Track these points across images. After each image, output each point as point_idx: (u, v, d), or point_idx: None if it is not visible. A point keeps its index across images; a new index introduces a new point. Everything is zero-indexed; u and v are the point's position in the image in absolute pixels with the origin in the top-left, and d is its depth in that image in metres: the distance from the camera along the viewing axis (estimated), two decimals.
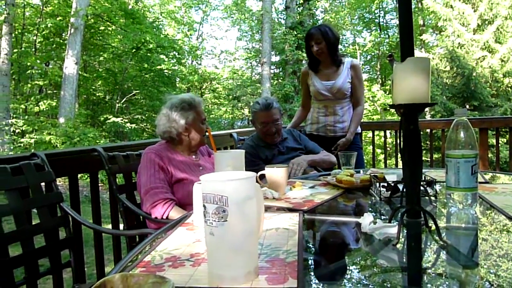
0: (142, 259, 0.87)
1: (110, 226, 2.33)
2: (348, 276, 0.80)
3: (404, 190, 1.09)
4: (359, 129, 3.01)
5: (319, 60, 2.88)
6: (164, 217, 1.71)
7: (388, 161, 5.73)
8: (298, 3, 15.12)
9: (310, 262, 0.87)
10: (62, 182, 6.43)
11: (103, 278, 0.66)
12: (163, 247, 0.94)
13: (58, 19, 11.62)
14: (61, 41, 12.52)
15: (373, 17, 18.90)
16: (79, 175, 2.21)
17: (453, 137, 1.14)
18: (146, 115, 13.78)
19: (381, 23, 18.81)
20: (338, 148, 2.80)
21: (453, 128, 1.15)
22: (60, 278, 1.87)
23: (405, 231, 1.02)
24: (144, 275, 0.68)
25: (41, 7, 12.11)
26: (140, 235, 1.90)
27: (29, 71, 11.93)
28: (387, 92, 15.91)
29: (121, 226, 2.08)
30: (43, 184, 1.71)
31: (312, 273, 0.82)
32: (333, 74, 2.87)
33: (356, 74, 2.89)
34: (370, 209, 1.36)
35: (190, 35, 19.25)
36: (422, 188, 1.26)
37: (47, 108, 11.28)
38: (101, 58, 13.60)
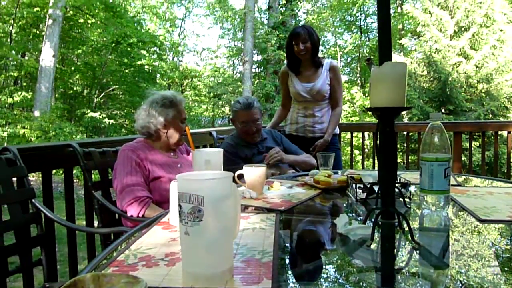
0: (115, 258, 0.85)
1: (84, 223, 2.28)
2: (324, 276, 0.81)
3: (379, 191, 1.10)
4: (337, 130, 3.03)
5: (299, 60, 2.89)
6: (140, 215, 1.69)
7: (366, 162, 5.83)
8: (281, 3, 15.17)
9: (286, 262, 0.87)
10: (35, 178, 6.26)
11: (74, 277, 0.65)
12: (137, 246, 0.93)
13: (35, 9, 11.28)
14: (38, 32, 12.17)
15: (354, 19, 19.15)
16: (53, 171, 2.16)
17: (427, 141, 1.17)
18: (125, 110, 13.57)
19: (362, 26, 19.08)
20: (316, 148, 2.82)
21: (428, 131, 1.17)
22: (31, 276, 1.82)
23: (379, 232, 1.04)
24: (117, 274, 0.67)
25: None
26: (115, 233, 1.86)
27: (2, 62, 11.55)
28: (366, 95, 16.17)
29: (96, 223, 2.04)
30: (14, 179, 1.66)
31: (288, 273, 0.82)
32: (312, 76, 2.89)
33: (335, 75, 2.90)
34: (346, 210, 1.37)
35: (172, 31, 19.06)
36: (397, 190, 1.29)
37: (21, 101, 10.95)
38: (80, 51, 13.29)
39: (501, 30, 9.34)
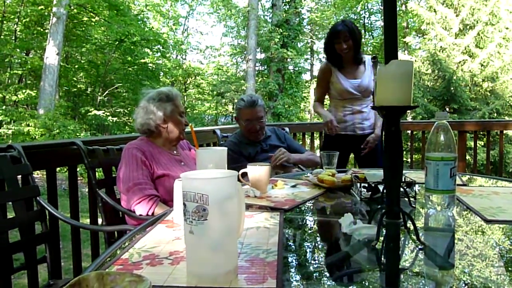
0: (119, 256, 0.85)
1: (88, 221, 2.29)
2: (328, 275, 0.80)
3: (384, 191, 1.10)
4: None
5: (340, 56, 2.74)
6: (150, 213, 1.68)
7: None
8: (284, 1, 15.14)
9: (290, 261, 0.87)
10: (40, 175, 6.29)
11: (79, 276, 0.65)
12: (141, 245, 0.93)
13: (40, 8, 11.31)
14: (42, 30, 12.21)
15: (358, 18, 19.07)
16: (57, 168, 2.16)
17: (433, 140, 1.16)
18: (129, 108, 13.59)
19: (366, 24, 19.01)
20: (369, 144, 2.75)
21: (434, 131, 1.16)
22: (35, 273, 1.83)
23: (384, 232, 1.03)
24: (121, 273, 0.67)
25: None
26: (119, 231, 1.87)
27: (7, 60, 11.59)
28: None
29: (100, 221, 2.05)
30: (19, 177, 1.66)
31: (292, 273, 0.82)
32: (357, 72, 2.77)
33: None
34: (351, 209, 1.37)
35: (176, 29, 19.06)
36: (402, 189, 1.28)
37: (26, 98, 11.00)
38: (84, 49, 13.32)
39: (506, 28, 9.28)
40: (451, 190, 1.13)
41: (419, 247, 0.90)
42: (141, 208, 1.68)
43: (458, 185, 1.50)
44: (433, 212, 1.16)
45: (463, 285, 0.77)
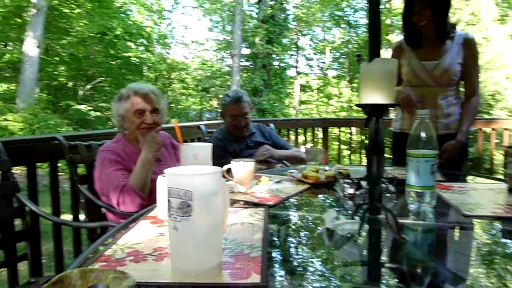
0: (102, 253, 0.85)
1: (70, 217, 2.25)
2: (312, 270, 0.81)
3: (367, 187, 1.12)
4: (471, 127, 2.21)
5: (419, 31, 2.11)
6: (133, 207, 1.66)
7: (352, 157, 5.88)
8: None
9: (274, 256, 0.87)
10: (19, 171, 6.15)
11: (61, 273, 0.64)
12: (125, 241, 0.92)
13: None
14: (21, 21, 11.90)
15: (343, 14, 19.19)
16: (38, 164, 2.12)
17: (414, 137, 1.18)
18: (111, 103, 13.39)
19: (350, 21, 19.14)
20: (446, 154, 2.01)
21: (415, 128, 1.18)
22: (15, 271, 1.80)
23: (366, 227, 1.05)
24: (104, 270, 0.67)
25: None
26: (102, 228, 1.85)
27: None
28: (354, 90, 16.27)
29: (82, 217, 2.02)
30: None
31: (276, 268, 0.82)
32: (437, 51, 2.10)
33: (471, 52, 2.11)
34: (334, 205, 1.38)
35: (160, 22, 18.81)
36: (384, 185, 1.30)
37: (4, 92, 10.72)
38: (65, 42, 13.04)
39: (486, 28, 9.48)
40: (431, 186, 1.16)
41: (400, 242, 0.92)
42: (124, 206, 1.66)
43: (438, 181, 1.53)
44: (414, 207, 1.19)
45: (443, 278, 0.79)
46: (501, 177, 1.54)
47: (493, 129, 4.35)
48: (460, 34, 2.11)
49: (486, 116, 9.19)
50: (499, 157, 6.27)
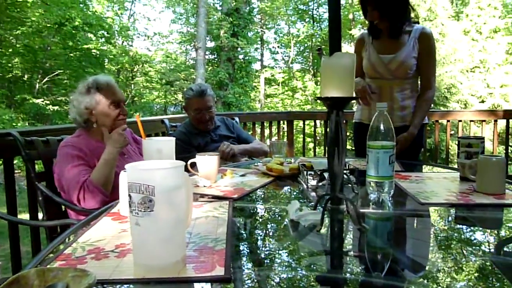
0: (62, 251, 0.82)
1: (28, 216, 2.16)
2: (277, 261, 0.83)
3: (329, 178, 1.14)
4: (426, 119, 2.28)
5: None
6: (80, 197, 1.61)
7: (317, 150, 5.99)
8: None
9: (239, 249, 0.88)
10: None
11: (17, 273, 0.62)
12: (85, 238, 0.90)
13: None
14: None
15: (307, 9, 19.40)
16: None
17: (374, 129, 1.22)
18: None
19: (314, 15, 19.38)
20: (398, 146, 1.93)
21: (374, 120, 1.22)
22: None
23: (329, 217, 1.08)
24: (63, 268, 0.65)
25: None
26: (62, 226, 1.79)
27: None
28: (318, 83, 16.52)
29: (41, 215, 1.94)
30: None
31: (241, 260, 0.83)
32: (394, 44, 2.15)
33: (427, 46, 2.14)
34: (297, 196, 1.41)
35: (121, 14, 18.25)
36: (345, 176, 1.34)
37: None
38: (19, 32, 12.37)
39: (442, 24, 9.87)
40: (389, 176, 1.20)
41: (361, 230, 0.95)
42: (84, 203, 1.62)
43: (396, 171, 1.59)
44: (373, 197, 1.23)
45: (402, 265, 0.82)
46: (456, 166, 1.62)
47: (448, 121, 4.56)
48: (417, 29, 2.14)
49: (442, 108, 9.62)
50: (454, 147, 6.59)
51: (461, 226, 1.09)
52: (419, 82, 2.24)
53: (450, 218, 1.14)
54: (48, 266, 0.73)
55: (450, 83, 9.82)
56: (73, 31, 12.28)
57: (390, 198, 1.23)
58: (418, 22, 2.20)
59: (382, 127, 1.20)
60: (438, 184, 1.43)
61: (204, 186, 1.42)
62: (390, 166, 1.20)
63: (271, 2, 18.64)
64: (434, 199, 1.21)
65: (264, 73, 19.15)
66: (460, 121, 4.42)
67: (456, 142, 1.62)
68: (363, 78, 2.25)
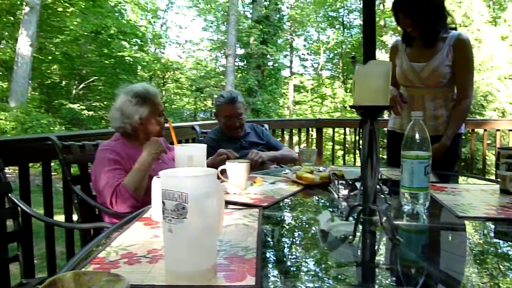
0: (96, 255, 0.84)
1: (63, 217, 2.24)
2: (306, 271, 0.82)
3: (361, 188, 1.12)
4: (462, 128, 2.16)
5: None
6: (113, 201, 1.65)
7: (346, 158, 5.90)
8: None
9: (269, 258, 0.87)
10: (11, 171, 6.09)
11: (54, 275, 0.64)
12: (119, 243, 0.91)
13: None
14: (14, 20, 11.79)
15: (337, 15, 19.26)
16: (30, 163, 2.11)
17: (408, 138, 1.18)
18: (105, 102, 13.34)
19: (344, 22, 19.22)
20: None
21: (409, 129, 1.19)
22: (7, 272, 1.78)
23: (361, 229, 1.06)
24: (98, 272, 0.66)
25: None
26: (95, 229, 1.83)
27: None
28: (348, 90, 16.32)
29: (75, 217, 2.00)
30: None
31: (271, 269, 0.82)
32: (427, 52, 2.05)
33: (462, 53, 2.03)
34: (328, 206, 1.39)
35: (154, 22, 18.77)
36: (378, 186, 1.30)
37: None
38: (58, 41, 12.94)
39: (478, 30, 9.56)
40: (425, 188, 1.16)
41: (395, 243, 0.92)
42: (115, 206, 1.65)
43: (431, 182, 1.54)
44: (408, 209, 1.19)
45: (436, 280, 0.79)
46: (493, 177, 1.55)
47: (485, 130, 4.39)
48: (453, 35, 2.03)
49: (478, 117, 9.27)
50: (491, 157, 6.33)
51: (499, 241, 1.03)
52: (454, 91, 2.13)
53: (489, 233, 1.09)
54: (83, 270, 0.75)
55: (486, 90, 9.46)
56: (108, 39, 12.72)
57: (425, 210, 1.18)
58: (455, 28, 2.09)
59: (417, 136, 1.16)
60: (475, 196, 1.37)
61: (234, 194, 1.42)
62: (426, 177, 1.16)
63: (301, 9, 18.63)
64: (472, 213, 1.16)
65: (293, 80, 19.12)
66: (498, 130, 4.24)
67: (493, 152, 1.55)
68: (397, 87, 2.18)
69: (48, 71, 13.23)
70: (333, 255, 0.90)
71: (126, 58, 14.20)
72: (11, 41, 11.94)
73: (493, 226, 1.11)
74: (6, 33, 12.08)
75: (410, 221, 1.15)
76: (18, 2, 11.04)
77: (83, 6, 12.22)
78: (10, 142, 2.00)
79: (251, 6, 15.76)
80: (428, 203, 1.19)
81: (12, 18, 11.89)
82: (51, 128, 9.29)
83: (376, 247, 0.99)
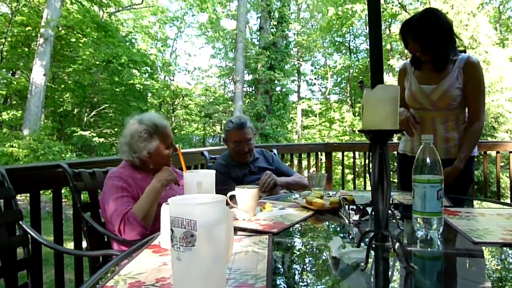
0: (104, 284, 0.83)
1: (72, 244, 2.23)
2: None
3: (373, 213, 1.10)
4: (475, 151, 2.14)
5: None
6: (122, 228, 1.64)
7: (356, 182, 5.85)
8: (271, 24, 15.45)
9: (279, 286, 0.85)
10: (22, 197, 6.14)
11: None
12: (127, 271, 0.90)
13: (27, 28, 11.30)
14: (29, 51, 12.17)
15: (343, 40, 19.51)
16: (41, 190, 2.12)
17: (419, 162, 1.17)
18: (116, 129, 13.52)
19: (351, 47, 19.44)
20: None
21: (419, 153, 1.18)
22: None
23: (373, 255, 1.03)
24: None
25: (10, 16, 11.76)
26: (104, 256, 1.82)
27: None
28: (356, 114, 16.34)
29: (84, 244, 2.00)
30: (1, 200, 1.62)
31: None
32: (436, 74, 2.04)
33: (473, 75, 2.01)
34: (339, 232, 1.36)
35: (164, 50, 19.22)
36: (390, 211, 1.28)
37: (10, 119, 10.85)
38: (71, 70, 13.28)
39: (486, 52, 9.59)
40: (438, 212, 1.14)
41: (409, 270, 0.89)
42: (124, 234, 1.65)
43: (445, 207, 1.51)
44: (421, 234, 1.16)
45: None
46: (508, 201, 1.52)
47: (497, 152, 4.32)
48: (462, 58, 2.02)
49: (490, 139, 9.17)
50: (505, 180, 6.21)
51: None
52: (465, 113, 2.12)
53: (506, 259, 1.05)
54: None
55: (497, 112, 9.39)
56: (119, 68, 13.01)
57: (439, 236, 1.16)
58: (465, 51, 2.08)
59: (428, 160, 1.15)
60: (491, 221, 1.34)
61: (243, 220, 1.40)
62: (438, 202, 1.13)
63: (308, 35, 18.94)
64: (488, 238, 1.13)
65: (301, 104, 19.22)
66: (511, 152, 4.17)
67: (508, 175, 1.52)
68: (407, 107, 2.16)
69: (61, 100, 13.51)
70: (345, 283, 0.88)
71: (137, 85, 14.47)
72: (25, 71, 12.29)
73: (510, 252, 1.08)
74: (21, 64, 12.45)
75: (424, 247, 1.12)
76: (33, 34, 11.41)
77: (95, 37, 12.58)
78: (22, 170, 2.02)
79: (258, 33, 16.07)
80: (442, 228, 1.16)
81: (26, 49, 12.28)
82: (63, 155, 9.40)
83: (390, 274, 0.96)
